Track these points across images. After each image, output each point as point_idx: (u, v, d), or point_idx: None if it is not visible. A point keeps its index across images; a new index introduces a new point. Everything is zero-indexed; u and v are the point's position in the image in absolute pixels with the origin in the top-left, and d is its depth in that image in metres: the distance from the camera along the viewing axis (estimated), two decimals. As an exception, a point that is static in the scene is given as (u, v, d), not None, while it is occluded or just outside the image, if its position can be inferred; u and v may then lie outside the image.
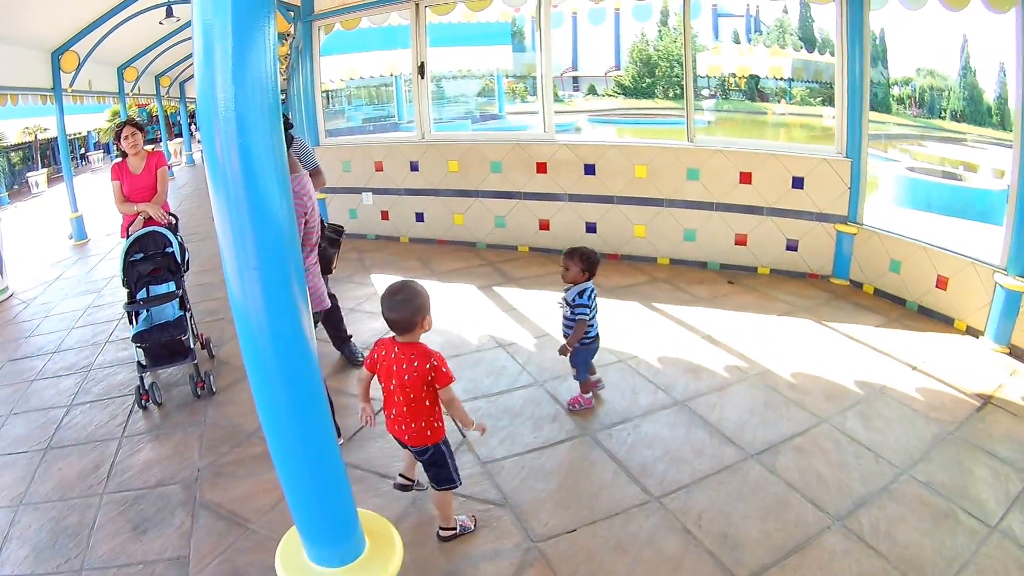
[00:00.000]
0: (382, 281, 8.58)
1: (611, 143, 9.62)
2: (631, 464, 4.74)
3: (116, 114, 28.69)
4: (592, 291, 5.28)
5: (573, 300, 5.23)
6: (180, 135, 32.11)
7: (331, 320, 6.49)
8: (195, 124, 31.06)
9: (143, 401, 5.90)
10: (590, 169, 9.32)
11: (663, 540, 4.05)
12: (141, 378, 5.90)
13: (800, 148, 9.22)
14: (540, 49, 9.46)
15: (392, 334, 3.79)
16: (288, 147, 4.23)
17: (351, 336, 6.70)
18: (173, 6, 14.09)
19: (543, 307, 7.39)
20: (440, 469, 3.92)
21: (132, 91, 21.09)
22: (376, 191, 10.79)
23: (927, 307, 7.52)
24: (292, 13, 12.21)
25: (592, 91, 51.16)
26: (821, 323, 7.28)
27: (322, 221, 5.28)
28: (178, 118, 32.75)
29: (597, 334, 5.42)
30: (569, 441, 5.06)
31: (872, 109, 8.12)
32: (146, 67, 21.05)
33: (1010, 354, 6.58)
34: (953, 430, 5.23)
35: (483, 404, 5.61)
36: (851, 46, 7.83)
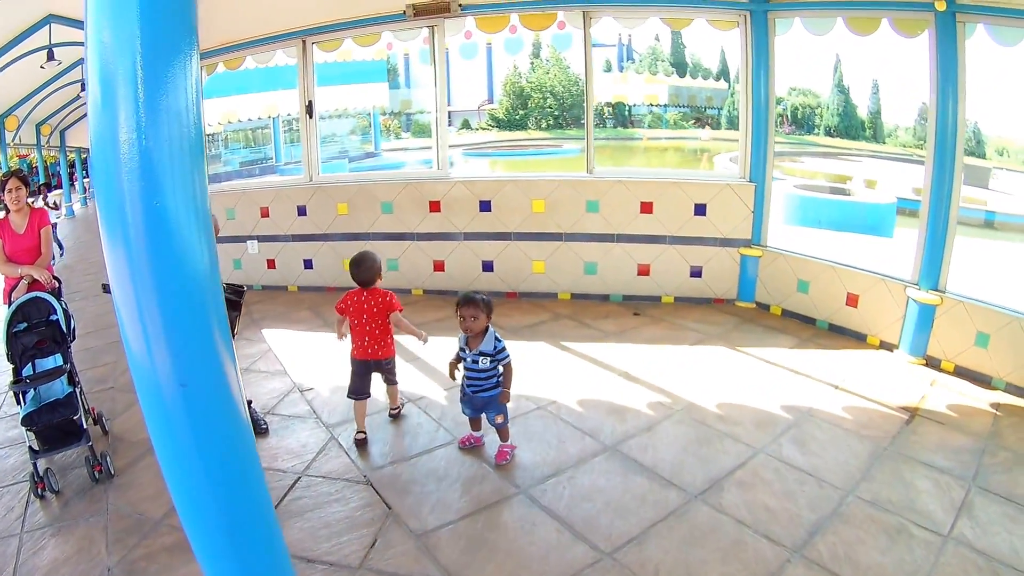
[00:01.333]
0: (275, 337, 8.24)
1: (508, 178, 9.54)
2: (574, 520, 4.53)
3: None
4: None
5: (495, 349, 5.17)
6: (59, 186, 31.04)
7: None
8: (75, 174, 30.99)
9: (39, 490, 5.29)
10: (486, 206, 9.20)
11: (623, 599, 3.91)
12: (35, 464, 5.32)
13: (703, 175, 9.40)
14: (436, 83, 9.34)
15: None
16: None
17: (251, 401, 6.29)
18: (55, 49, 13.48)
19: (447, 355, 7.15)
20: (391, 373, 6.04)
21: (13, 141, 20.58)
22: (262, 239, 10.37)
23: (838, 325, 7.73)
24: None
25: (466, 125, 51.90)
26: (735, 349, 7.35)
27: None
28: (57, 168, 31.68)
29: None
30: (504, 502, 4.79)
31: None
32: (27, 115, 20.31)
33: (927, 365, 6.85)
34: (887, 446, 5.35)
35: (404, 469, 5.25)
36: (756, 71, 8.07)
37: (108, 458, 5.52)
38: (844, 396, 6.23)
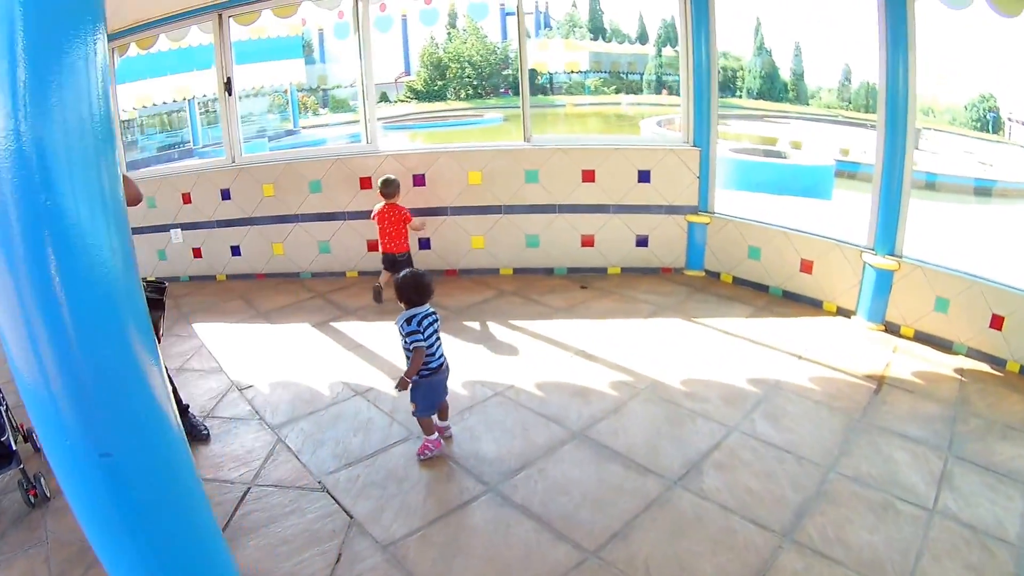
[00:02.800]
0: (207, 331, 7.82)
1: (442, 150, 9.13)
2: (551, 517, 4.29)
3: None
4: (423, 316, 4.90)
5: (403, 329, 4.86)
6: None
7: None
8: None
9: None
10: (419, 180, 8.88)
11: (617, 598, 3.73)
12: (-38, 493, 4.83)
13: (645, 140, 9.22)
14: (361, 55, 8.93)
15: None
16: None
17: (187, 406, 5.84)
18: None
19: (391, 340, 6.85)
20: (405, 264, 7.50)
21: None
22: (185, 227, 9.86)
23: (793, 291, 7.68)
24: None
25: (384, 98, 51.78)
26: (691, 320, 7.22)
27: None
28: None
29: (440, 364, 5.02)
30: (473, 502, 4.50)
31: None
32: None
33: (886, 331, 6.83)
34: (859, 417, 5.31)
35: (361, 471, 4.91)
36: (696, 32, 7.89)
37: (42, 480, 4.93)
38: (809, 366, 6.15)
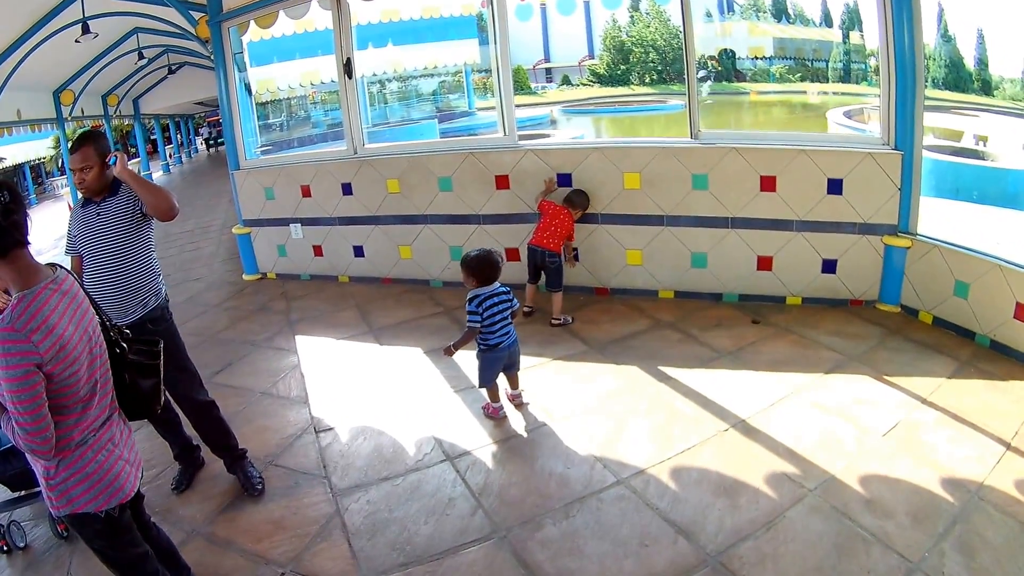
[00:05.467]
0: (309, 347, 7.13)
1: (592, 145, 8.02)
2: None
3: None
4: (488, 296, 5.31)
5: (466, 306, 5.34)
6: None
7: (205, 426, 4.96)
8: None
9: (0, 546, 4.57)
10: (564, 180, 7.71)
11: None
12: (-9, 516, 4.50)
13: (835, 139, 7.71)
14: (495, 39, 7.96)
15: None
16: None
17: (244, 451, 5.05)
18: (90, 22, 13.66)
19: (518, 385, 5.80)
20: (556, 275, 7.10)
21: (71, 115, 21.29)
22: (305, 222, 9.24)
23: (1003, 343, 5.98)
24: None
25: (566, 81, 52.01)
26: (882, 379, 5.65)
27: (120, 332, 3.50)
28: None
29: (499, 343, 5.37)
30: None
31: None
32: (83, 88, 21.04)
33: None
34: None
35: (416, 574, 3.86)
36: (897, 13, 6.35)
37: (16, 528, 4.66)
38: (1019, 462, 4.50)
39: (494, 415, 5.50)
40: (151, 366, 3.51)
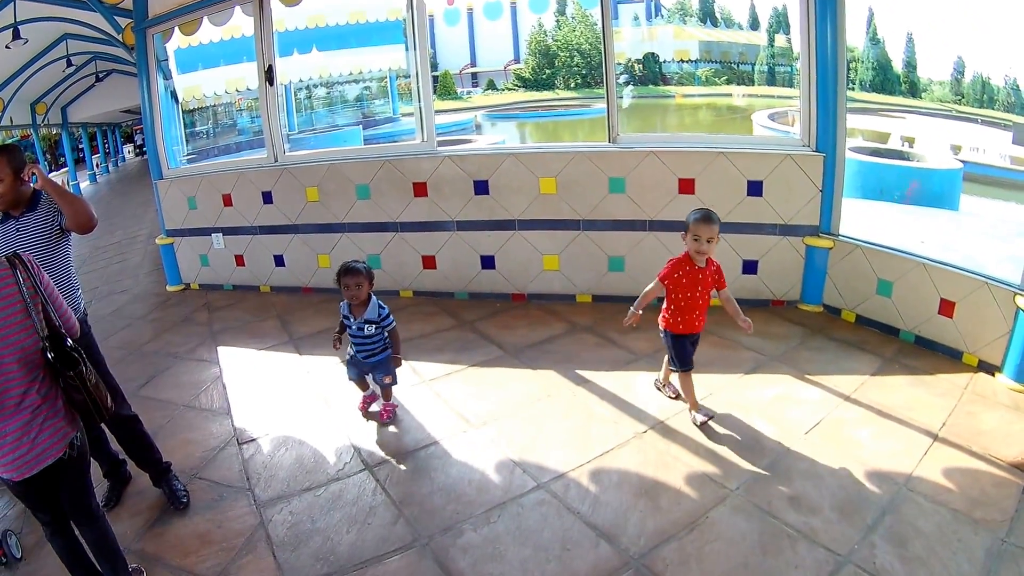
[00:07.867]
0: (231, 358, 7.05)
1: (508, 151, 7.95)
2: None
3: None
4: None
5: (379, 316, 5.43)
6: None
7: (129, 440, 4.84)
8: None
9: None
10: (482, 187, 7.71)
11: None
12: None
13: (756, 143, 7.81)
14: (415, 43, 7.96)
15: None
16: None
17: (169, 464, 4.97)
18: (21, 27, 13.26)
19: (433, 390, 5.76)
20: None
21: None
22: (227, 231, 9.12)
23: (928, 338, 6.17)
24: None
25: (491, 86, 52.49)
26: (804, 378, 5.75)
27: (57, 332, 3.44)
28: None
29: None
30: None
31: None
32: (11, 96, 20.70)
33: None
34: (1006, 534, 3.83)
35: None
36: (821, 15, 6.46)
37: (11, 538, 4.43)
38: (946, 452, 4.62)
39: (373, 400, 5.83)
40: (74, 385, 3.50)
